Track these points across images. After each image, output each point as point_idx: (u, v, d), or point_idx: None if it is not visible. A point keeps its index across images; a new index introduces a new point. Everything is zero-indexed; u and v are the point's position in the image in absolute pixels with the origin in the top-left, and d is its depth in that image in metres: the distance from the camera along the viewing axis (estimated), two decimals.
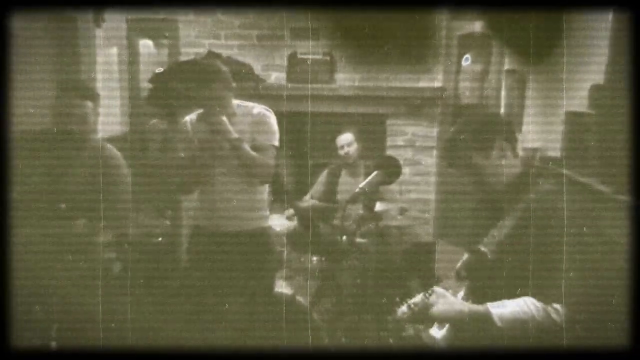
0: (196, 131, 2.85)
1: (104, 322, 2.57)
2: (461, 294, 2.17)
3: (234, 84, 2.84)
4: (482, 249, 2.08)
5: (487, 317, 1.96)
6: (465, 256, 2.17)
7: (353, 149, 3.77)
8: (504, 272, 2.03)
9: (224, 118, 2.75)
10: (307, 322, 3.01)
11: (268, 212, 3.01)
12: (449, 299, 2.04)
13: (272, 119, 2.89)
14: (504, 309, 1.96)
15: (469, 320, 1.99)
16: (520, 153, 2.21)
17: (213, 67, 2.85)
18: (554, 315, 1.92)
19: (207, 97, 2.76)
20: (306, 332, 2.96)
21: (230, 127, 2.75)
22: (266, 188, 2.97)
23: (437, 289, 2.09)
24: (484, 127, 2.15)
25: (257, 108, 2.90)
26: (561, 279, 1.94)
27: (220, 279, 2.82)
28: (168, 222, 2.79)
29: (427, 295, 2.08)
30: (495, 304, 1.98)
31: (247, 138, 2.79)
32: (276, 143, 2.88)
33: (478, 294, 2.08)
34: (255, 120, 2.86)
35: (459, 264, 2.18)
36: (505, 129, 2.16)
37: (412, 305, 2.09)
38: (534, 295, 1.96)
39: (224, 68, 2.83)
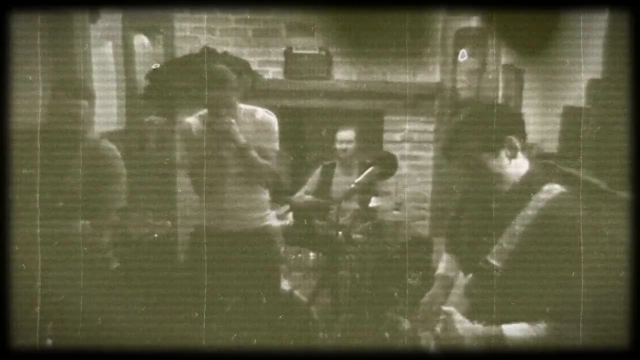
0: (201, 132, 2.84)
1: (100, 321, 2.57)
2: (465, 311, 1.97)
3: (240, 88, 2.84)
4: (492, 261, 1.91)
5: (500, 341, 1.82)
6: (471, 274, 1.99)
7: (351, 146, 3.76)
8: (516, 286, 1.87)
9: (233, 122, 2.75)
10: (307, 320, 3.01)
11: (269, 211, 3.02)
12: (460, 320, 1.90)
13: (275, 123, 2.90)
14: (520, 334, 1.82)
15: (481, 343, 1.85)
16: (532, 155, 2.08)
17: (220, 69, 2.85)
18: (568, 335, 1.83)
19: (213, 99, 2.76)
20: (305, 328, 2.97)
21: (238, 132, 2.75)
22: (267, 189, 2.98)
23: (447, 309, 1.94)
24: (490, 121, 1.97)
25: (260, 111, 2.90)
26: (577, 295, 1.86)
27: (223, 278, 2.83)
28: (169, 223, 2.79)
29: None
30: (512, 326, 1.84)
31: (251, 141, 2.80)
32: (277, 147, 2.90)
33: (488, 312, 1.91)
34: (258, 124, 2.87)
35: (465, 280, 2.02)
36: (514, 122, 2.02)
37: None
38: (550, 313, 1.83)
39: (231, 71, 2.82)
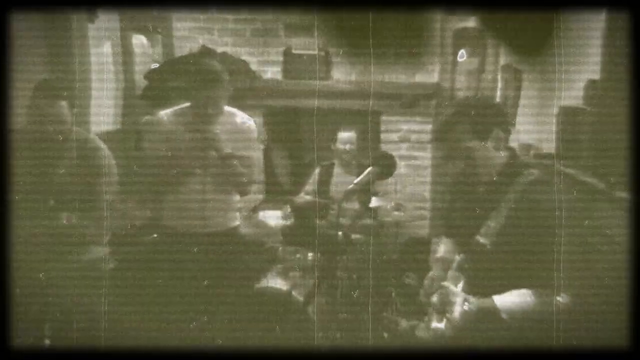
0: (176, 129, 2.77)
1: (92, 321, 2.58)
2: (460, 285, 2.16)
3: (231, 89, 2.78)
4: (481, 240, 2.09)
5: (493, 311, 1.98)
6: (463, 252, 2.18)
7: (353, 147, 3.76)
8: (504, 263, 2.04)
9: (217, 128, 2.70)
10: (304, 319, 3.02)
11: (238, 213, 2.99)
12: (454, 293, 2.07)
13: (255, 131, 2.87)
14: (509, 301, 1.97)
15: (477, 316, 2.01)
16: (514, 145, 2.23)
17: (212, 67, 2.79)
18: (553, 306, 1.94)
19: (202, 99, 2.70)
20: (302, 329, 2.97)
21: (222, 138, 2.70)
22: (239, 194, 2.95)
23: (444, 283, 2.12)
24: (482, 114, 2.15)
25: (241, 116, 2.86)
26: (559, 270, 1.97)
27: (190, 279, 2.80)
28: (149, 213, 2.76)
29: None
30: (501, 296, 2.00)
31: (229, 146, 2.74)
32: (254, 154, 2.88)
33: (479, 286, 2.09)
34: (239, 129, 2.82)
35: (458, 258, 2.19)
36: (502, 120, 2.18)
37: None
38: (533, 285, 1.99)
39: (224, 71, 2.76)
